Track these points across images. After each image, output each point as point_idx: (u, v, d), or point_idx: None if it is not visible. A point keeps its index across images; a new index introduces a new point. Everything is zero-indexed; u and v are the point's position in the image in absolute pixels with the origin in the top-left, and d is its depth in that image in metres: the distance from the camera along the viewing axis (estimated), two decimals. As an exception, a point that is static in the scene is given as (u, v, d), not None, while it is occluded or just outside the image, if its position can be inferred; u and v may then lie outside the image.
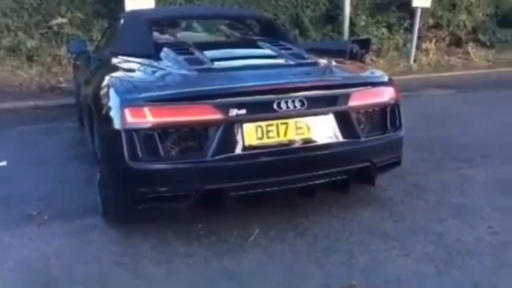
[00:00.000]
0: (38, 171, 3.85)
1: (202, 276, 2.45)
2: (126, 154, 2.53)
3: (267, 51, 3.40)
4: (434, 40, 8.94)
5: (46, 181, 3.65)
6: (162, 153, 2.54)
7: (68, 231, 2.88)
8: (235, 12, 5.69)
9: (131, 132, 2.52)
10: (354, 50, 4.45)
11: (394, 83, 3.14)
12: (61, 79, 6.87)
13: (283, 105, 2.63)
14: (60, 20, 7.07)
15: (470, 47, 9.30)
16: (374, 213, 3.11)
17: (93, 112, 2.97)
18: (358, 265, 2.55)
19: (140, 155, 2.52)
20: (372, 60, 8.46)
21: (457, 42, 9.44)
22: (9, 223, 2.97)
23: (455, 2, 9.03)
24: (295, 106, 2.66)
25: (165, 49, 3.27)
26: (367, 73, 3.27)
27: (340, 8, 8.11)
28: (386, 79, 3.14)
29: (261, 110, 2.64)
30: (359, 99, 2.87)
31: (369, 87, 3.02)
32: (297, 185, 2.80)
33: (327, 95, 2.84)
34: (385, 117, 3.02)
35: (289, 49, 3.43)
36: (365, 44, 5.08)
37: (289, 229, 2.89)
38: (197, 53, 3.16)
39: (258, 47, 3.55)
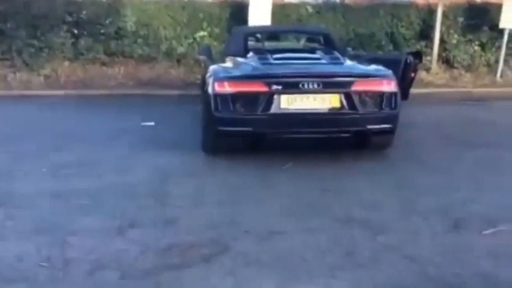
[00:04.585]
0: (172, 127, 6.04)
1: (251, 178, 4.30)
2: (213, 108, 4.46)
3: (315, 55, 5.14)
4: (526, 59, 9.58)
5: (176, 132, 5.82)
6: (231, 108, 4.40)
7: (182, 154, 4.95)
8: (307, 28, 7.45)
9: (216, 96, 4.44)
10: (408, 61, 5.58)
11: (392, 77, 4.61)
12: (199, 76, 9.13)
13: (306, 85, 4.34)
14: (202, 33, 9.31)
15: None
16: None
17: (202, 87, 5.00)
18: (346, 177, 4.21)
19: (220, 108, 4.42)
20: (460, 74, 9.48)
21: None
22: (146, 150, 5.10)
23: (548, 23, 9.57)
24: (313, 86, 4.35)
25: (250, 52, 5.19)
26: (372, 69, 4.76)
27: (433, 27, 9.30)
28: (385, 73, 4.63)
29: (292, 87, 4.38)
30: (360, 86, 4.45)
31: (369, 78, 4.58)
32: (309, 135, 4.50)
33: (336, 82, 4.49)
34: (382, 99, 4.51)
35: (332, 54, 5.11)
36: (418, 56, 6.44)
37: (314, 166, 4.60)
38: (267, 55, 5.00)
39: (312, 52, 5.32)
